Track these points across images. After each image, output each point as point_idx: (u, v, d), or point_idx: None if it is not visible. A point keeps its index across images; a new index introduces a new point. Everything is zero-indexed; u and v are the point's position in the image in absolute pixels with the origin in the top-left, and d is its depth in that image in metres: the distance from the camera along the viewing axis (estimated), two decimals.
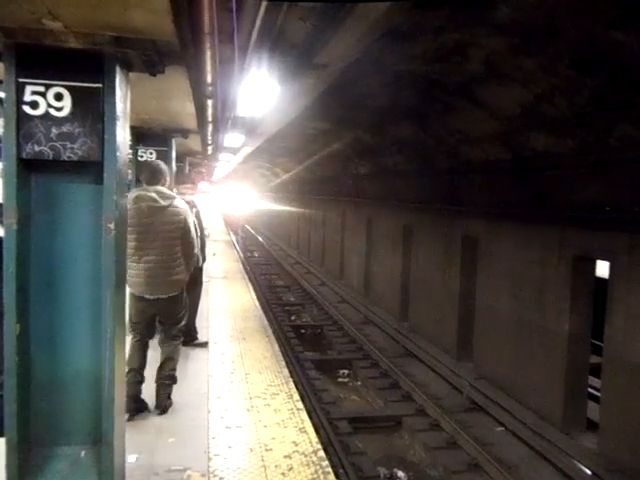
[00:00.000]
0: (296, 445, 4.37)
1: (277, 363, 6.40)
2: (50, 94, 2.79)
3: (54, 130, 2.81)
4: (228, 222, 34.57)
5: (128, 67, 3.00)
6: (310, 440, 4.48)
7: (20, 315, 2.83)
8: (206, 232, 7.23)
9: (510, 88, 6.57)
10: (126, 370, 4.59)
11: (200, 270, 6.96)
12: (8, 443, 2.84)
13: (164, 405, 4.84)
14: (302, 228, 26.46)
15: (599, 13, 4.65)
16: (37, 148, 2.80)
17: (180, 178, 7.40)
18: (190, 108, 5.76)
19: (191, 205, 6.57)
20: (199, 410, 4.95)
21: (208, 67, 3.89)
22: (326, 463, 4.13)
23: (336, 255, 19.62)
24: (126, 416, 4.47)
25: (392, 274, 14.07)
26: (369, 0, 3.91)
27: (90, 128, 2.84)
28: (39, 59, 2.75)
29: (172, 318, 4.91)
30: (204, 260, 7.01)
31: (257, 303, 9.99)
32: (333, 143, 13.66)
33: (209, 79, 4.36)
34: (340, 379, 10.65)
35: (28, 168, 2.84)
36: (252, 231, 36.70)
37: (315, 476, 3.90)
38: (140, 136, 7.18)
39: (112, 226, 2.88)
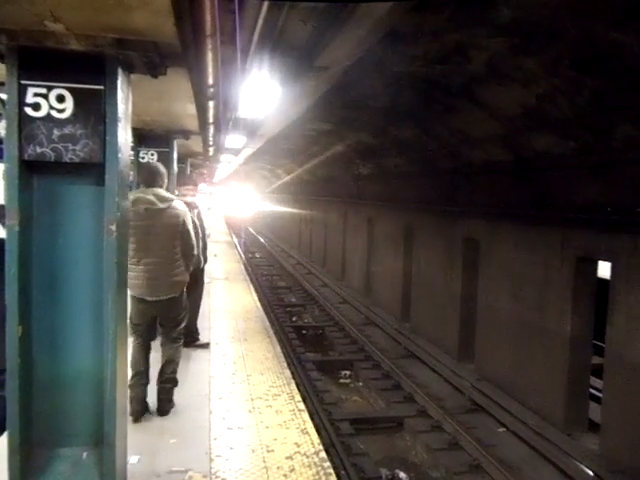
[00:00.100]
0: (298, 446, 4.37)
1: (279, 364, 6.40)
2: (52, 96, 2.80)
3: (56, 132, 2.82)
4: (230, 224, 34.27)
5: (130, 69, 3.01)
6: (312, 441, 4.47)
7: (22, 316, 2.84)
8: (207, 232, 7.22)
9: (511, 89, 6.57)
10: (131, 374, 4.61)
11: (201, 271, 6.97)
12: (10, 444, 2.84)
13: (165, 408, 4.85)
14: (304, 229, 26.48)
15: (599, 13, 4.65)
16: (39, 150, 2.81)
17: (182, 179, 7.40)
18: (191, 109, 5.76)
19: (192, 206, 6.58)
20: (201, 411, 4.95)
21: (209, 69, 3.90)
22: (328, 464, 4.13)
23: (337, 256, 19.63)
24: (130, 418, 4.50)
25: (393, 275, 14.07)
26: (371, 0, 3.91)
27: (92, 130, 2.85)
28: (41, 61, 2.76)
29: (173, 320, 4.92)
30: (205, 261, 7.01)
31: (258, 304, 9.99)
32: (334, 144, 13.66)
33: (210, 80, 4.37)
34: (342, 380, 10.64)
35: (30, 170, 2.85)
36: (258, 235, 36.52)
37: (317, 477, 3.90)
38: (141, 137, 7.18)
39: (114, 228, 2.89)
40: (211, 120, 6.84)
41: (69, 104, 2.82)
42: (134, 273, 4.51)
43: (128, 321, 4.17)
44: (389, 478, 7.01)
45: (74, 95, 2.82)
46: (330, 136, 13.04)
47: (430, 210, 11.63)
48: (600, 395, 7.36)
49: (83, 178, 2.95)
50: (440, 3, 5.15)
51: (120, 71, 2.86)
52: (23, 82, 2.76)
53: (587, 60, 5.32)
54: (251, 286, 12.16)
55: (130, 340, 4.48)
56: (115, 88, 2.85)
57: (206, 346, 6.88)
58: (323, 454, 4.29)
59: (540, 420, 7.79)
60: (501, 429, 8.10)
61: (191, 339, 6.74)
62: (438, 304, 11.43)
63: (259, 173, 30.88)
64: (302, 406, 5.22)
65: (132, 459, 3.85)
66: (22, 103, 2.77)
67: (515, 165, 8.04)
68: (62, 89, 2.81)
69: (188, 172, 13.40)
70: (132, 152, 6.74)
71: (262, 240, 33.66)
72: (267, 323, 8.51)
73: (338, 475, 5.38)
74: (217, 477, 3.84)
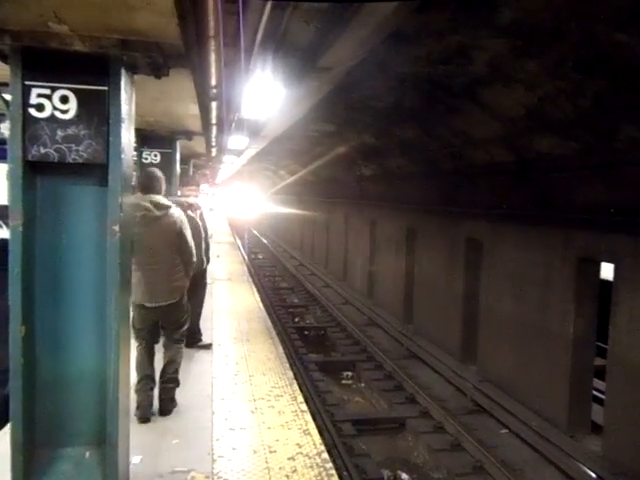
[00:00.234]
0: (300, 447, 4.37)
1: (281, 365, 6.40)
2: (56, 97, 2.81)
3: (59, 132, 2.83)
4: (233, 226, 33.94)
5: (133, 70, 3.02)
6: (314, 442, 4.48)
7: (25, 316, 2.85)
8: (209, 233, 7.22)
9: (514, 90, 6.57)
10: (137, 378, 4.62)
11: (204, 272, 6.97)
12: (13, 444, 2.85)
13: (167, 408, 4.85)
14: (306, 230, 26.48)
15: (602, 14, 4.65)
16: (43, 150, 2.82)
17: (184, 180, 7.41)
18: (194, 110, 5.78)
19: (195, 207, 6.59)
20: (203, 412, 4.95)
21: (212, 69, 3.92)
22: (330, 465, 4.13)
23: (340, 257, 19.63)
24: (135, 418, 4.51)
25: (396, 276, 14.07)
26: (373, 0, 3.90)
27: (95, 130, 2.86)
28: (45, 62, 2.77)
29: (174, 323, 4.93)
30: (208, 262, 7.01)
31: (261, 305, 10.00)
32: (337, 145, 13.67)
33: (213, 81, 4.38)
34: (344, 381, 10.63)
35: (33, 170, 2.86)
36: (261, 237, 36.45)
37: (319, 478, 3.90)
38: (144, 138, 7.20)
39: (117, 228, 2.89)
40: (214, 121, 6.86)
41: (73, 105, 2.83)
42: (133, 279, 4.51)
43: (130, 325, 4.19)
44: (391, 479, 7.01)
45: (78, 96, 2.83)
46: (333, 137, 13.04)
47: (432, 211, 11.63)
48: (603, 397, 7.34)
49: (86, 179, 2.96)
50: (443, 4, 5.15)
51: (124, 72, 2.87)
52: (27, 83, 2.77)
53: (590, 61, 5.32)
54: (253, 287, 12.17)
55: (134, 344, 4.50)
56: (119, 89, 2.85)
57: (208, 347, 6.88)
58: (325, 455, 4.29)
59: (542, 422, 7.77)
60: (503, 430, 8.08)
61: (194, 340, 6.75)
62: (440, 305, 11.43)
63: (262, 174, 30.91)
64: (304, 407, 5.22)
65: (135, 459, 3.85)
66: (26, 104, 2.78)
67: (517, 166, 8.04)
68: (66, 90, 2.82)
69: (191, 173, 13.42)
70: (135, 153, 6.77)
71: (265, 241, 33.66)
72: (269, 324, 8.52)
73: (340, 476, 5.37)
74: (219, 477, 3.84)
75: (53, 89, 2.80)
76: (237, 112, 7.52)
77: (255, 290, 11.74)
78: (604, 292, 7.42)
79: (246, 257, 21.23)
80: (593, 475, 6.53)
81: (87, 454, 3.02)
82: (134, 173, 5.72)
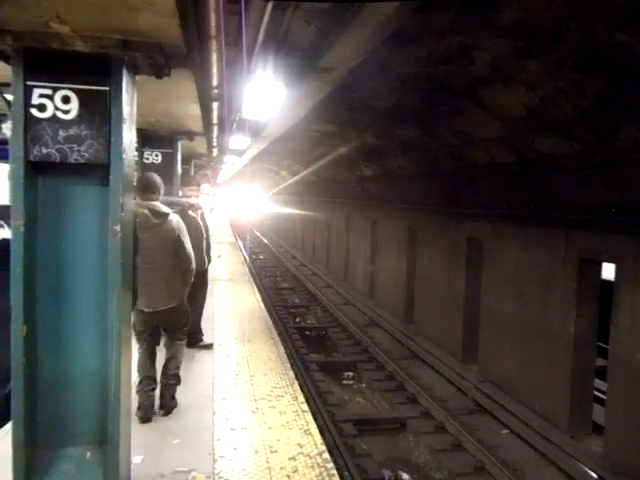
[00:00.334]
0: (301, 447, 4.37)
1: (282, 365, 6.40)
2: (57, 97, 2.81)
3: (61, 133, 2.83)
4: (235, 228, 33.49)
5: (135, 70, 3.02)
6: (315, 442, 4.48)
7: (27, 316, 2.85)
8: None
9: (515, 90, 6.57)
10: (138, 379, 4.63)
11: (205, 272, 6.97)
12: (15, 444, 2.85)
13: (168, 406, 4.86)
14: (308, 230, 26.49)
15: (602, 14, 4.65)
16: (44, 150, 2.82)
17: (185, 180, 7.41)
18: (196, 110, 5.78)
19: (196, 207, 6.59)
20: (204, 412, 4.95)
21: (214, 70, 3.92)
22: (331, 465, 4.13)
23: (341, 257, 19.64)
24: (136, 418, 4.51)
25: (397, 276, 14.07)
26: (374, 0, 3.91)
27: (97, 131, 2.86)
28: (47, 62, 2.77)
29: (174, 326, 4.94)
30: (209, 262, 7.02)
31: (262, 305, 10.00)
32: (338, 145, 13.67)
33: (215, 82, 4.38)
34: (345, 381, 10.63)
35: (35, 170, 2.87)
36: (263, 238, 36.37)
37: (320, 478, 3.90)
38: (146, 138, 7.20)
39: (118, 228, 2.90)
40: (215, 121, 6.86)
41: (74, 105, 2.83)
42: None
43: (132, 327, 4.19)
44: (392, 479, 7.01)
45: (79, 96, 2.83)
46: (334, 137, 13.04)
47: (433, 211, 11.63)
48: (604, 397, 7.34)
49: (88, 179, 2.96)
50: (444, 4, 5.15)
51: (125, 72, 2.87)
52: (29, 83, 2.77)
53: (590, 62, 5.32)
54: (255, 287, 12.18)
55: (135, 346, 4.50)
56: (120, 89, 2.86)
57: (210, 347, 6.88)
58: (326, 455, 4.29)
59: (544, 422, 7.77)
60: (504, 431, 8.08)
61: (195, 340, 6.75)
62: (441, 305, 11.43)
63: (263, 174, 30.90)
64: (305, 407, 5.22)
65: (136, 459, 3.86)
66: (28, 104, 2.78)
67: (518, 166, 8.03)
68: (67, 90, 2.82)
69: (192, 173, 13.43)
70: (136, 153, 6.77)
71: (266, 241, 33.65)
72: (270, 324, 8.52)
73: (341, 476, 5.36)
74: (220, 477, 3.84)
75: (55, 89, 2.80)
76: (238, 112, 7.53)
77: (256, 290, 11.75)
78: (605, 292, 7.41)
79: (247, 258, 21.19)
80: (594, 475, 6.52)
81: (88, 454, 3.02)
82: (135, 173, 5.73)
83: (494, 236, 9.48)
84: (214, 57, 3.60)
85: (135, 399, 4.51)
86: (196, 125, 6.98)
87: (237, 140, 10.81)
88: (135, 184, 5.30)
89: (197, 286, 6.52)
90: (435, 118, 8.85)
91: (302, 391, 5.79)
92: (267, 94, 5.53)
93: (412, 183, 12.33)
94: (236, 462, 4.07)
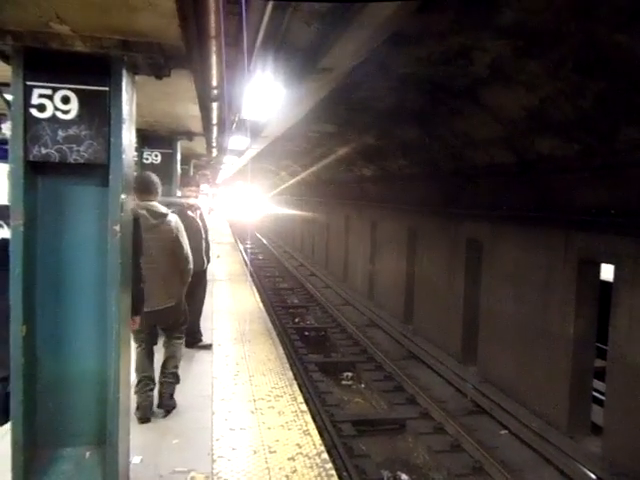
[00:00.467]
0: (300, 447, 4.37)
1: (281, 365, 6.40)
2: (57, 97, 2.81)
3: (61, 133, 2.83)
4: (235, 229, 33.01)
5: (134, 70, 3.02)
6: (314, 442, 4.48)
7: (26, 316, 2.85)
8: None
9: (515, 91, 6.57)
10: (137, 380, 4.63)
11: (204, 272, 6.97)
12: (14, 444, 2.86)
13: (167, 404, 4.86)
14: (307, 230, 26.50)
15: (602, 15, 4.65)
16: (44, 151, 2.82)
17: (184, 180, 7.41)
18: (195, 111, 5.78)
19: (195, 207, 6.60)
20: (203, 412, 4.95)
21: (214, 70, 3.92)
22: (330, 466, 4.13)
23: (340, 258, 19.64)
24: (135, 417, 4.51)
25: (396, 277, 14.07)
26: (373, 0, 3.90)
27: (96, 131, 2.86)
28: (46, 62, 2.77)
29: (172, 325, 4.95)
30: (208, 262, 7.02)
31: (261, 305, 10.00)
32: (338, 146, 13.67)
33: (214, 82, 4.39)
34: (344, 382, 10.63)
35: (35, 170, 2.87)
36: (263, 238, 36.29)
37: (319, 479, 3.90)
38: (145, 138, 7.21)
39: (117, 228, 2.90)
40: (215, 121, 6.87)
41: (74, 105, 2.83)
42: None
43: None
44: None
45: (79, 96, 2.83)
46: (333, 138, 13.05)
47: (433, 212, 11.63)
48: (603, 398, 7.34)
49: (87, 179, 2.96)
50: (444, 5, 5.16)
51: (125, 72, 2.87)
52: (28, 83, 2.78)
53: (590, 63, 5.32)
54: (254, 287, 12.17)
55: (133, 346, 4.50)
56: (120, 89, 2.86)
57: (209, 347, 6.88)
58: (325, 455, 4.29)
59: (542, 423, 7.78)
60: (503, 431, 8.08)
61: (194, 340, 6.75)
62: (441, 306, 11.43)
63: (263, 175, 30.88)
64: (304, 407, 5.22)
65: (135, 459, 3.86)
66: (27, 104, 2.79)
67: (518, 167, 8.04)
68: (67, 90, 2.82)
69: (191, 173, 13.43)
70: (136, 153, 6.77)
71: (265, 241, 33.64)
72: (270, 324, 8.52)
73: (340, 477, 5.37)
74: (219, 478, 3.84)
75: (54, 89, 2.81)
76: (238, 113, 7.53)
77: (255, 290, 11.75)
78: (604, 293, 7.42)
79: (249, 263, 21.14)
80: (593, 476, 6.53)
81: (87, 454, 3.02)
82: (135, 173, 5.73)
83: (494, 237, 9.49)
84: (214, 58, 3.61)
85: (133, 399, 4.50)
86: (195, 125, 6.98)
87: (236, 140, 10.81)
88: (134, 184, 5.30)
89: (196, 286, 6.53)
90: (435, 119, 8.85)
91: (301, 391, 5.79)
92: (267, 94, 5.53)
93: (412, 184, 12.33)
94: (235, 462, 4.07)
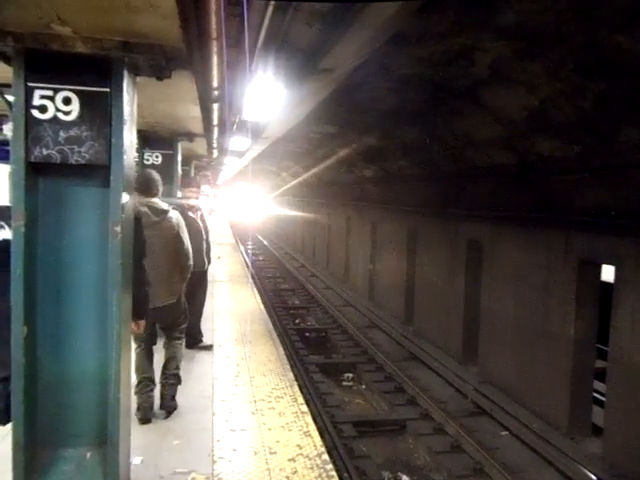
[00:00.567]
0: (300, 448, 4.37)
1: (282, 366, 6.40)
2: (58, 98, 2.82)
3: (62, 134, 2.84)
4: (236, 231, 32.60)
5: (135, 71, 3.03)
6: (314, 443, 4.48)
7: (27, 317, 2.86)
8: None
9: (515, 92, 6.58)
10: (137, 380, 4.63)
11: (205, 273, 6.98)
12: (15, 444, 2.86)
13: (169, 405, 4.86)
14: (308, 231, 26.49)
15: (603, 16, 4.66)
16: (45, 151, 2.83)
17: (185, 181, 7.42)
18: (196, 112, 5.79)
19: (195, 208, 6.60)
20: (204, 413, 4.96)
21: (214, 71, 3.92)
22: (330, 467, 4.13)
23: (341, 259, 19.64)
24: (136, 418, 4.52)
25: (397, 278, 14.07)
26: (374, 0, 3.91)
27: (98, 132, 2.87)
28: (48, 64, 2.78)
29: (172, 323, 4.95)
30: (209, 263, 7.02)
31: (262, 306, 10.00)
32: (338, 147, 13.67)
33: (215, 83, 4.39)
34: (344, 383, 10.62)
35: (36, 171, 2.87)
36: (264, 240, 36.21)
37: None
38: (146, 139, 7.21)
39: (118, 229, 2.90)
40: (215, 122, 6.87)
41: (75, 106, 2.84)
42: None
43: None
44: None
45: (80, 97, 2.84)
46: (334, 139, 13.05)
47: (434, 212, 11.63)
48: (603, 399, 7.34)
49: (88, 180, 2.97)
50: (445, 6, 5.16)
51: (126, 74, 2.88)
52: (30, 84, 2.78)
53: (590, 63, 5.33)
54: (254, 288, 12.17)
55: (133, 346, 4.50)
56: (121, 90, 2.86)
57: (209, 348, 6.88)
58: (326, 456, 4.29)
59: (543, 424, 7.77)
60: (504, 432, 8.08)
61: (194, 341, 6.76)
62: (441, 306, 11.43)
63: (264, 176, 30.87)
64: (305, 408, 5.22)
65: (135, 460, 3.86)
66: (29, 105, 2.79)
67: (519, 168, 8.04)
68: (68, 91, 2.83)
69: (192, 174, 13.43)
70: (137, 154, 6.78)
71: (266, 242, 33.63)
72: (270, 325, 8.52)
73: (341, 478, 5.37)
74: (220, 479, 3.84)
75: (56, 90, 2.81)
76: (239, 114, 7.54)
77: (256, 291, 11.75)
78: (605, 294, 7.42)
79: (247, 259, 21.15)
80: (593, 477, 6.52)
81: (88, 455, 3.02)
82: (136, 174, 5.73)
83: (494, 237, 9.49)
84: (214, 59, 3.61)
85: (134, 400, 4.51)
86: (196, 126, 6.99)
87: (237, 141, 10.81)
88: (135, 181, 5.31)
89: (197, 287, 6.54)
90: (436, 119, 8.86)
91: (302, 392, 5.79)
92: (267, 95, 5.54)
93: (412, 184, 12.33)
94: (236, 463, 4.07)
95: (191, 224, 5.96)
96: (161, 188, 4.83)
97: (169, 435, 4.47)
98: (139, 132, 6.61)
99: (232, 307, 9.64)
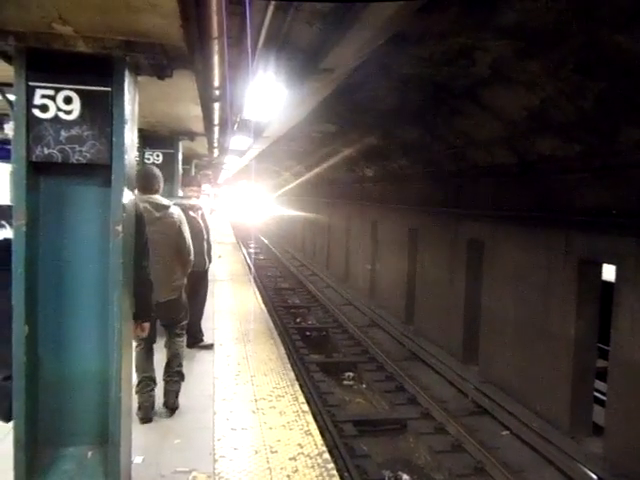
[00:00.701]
0: (301, 447, 4.38)
1: (282, 365, 6.40)
2: (60, 97, 2.82)
3: (63, 133, 2.84)
4: (237, 232, 32.06)
5: (137, 71, 3.03)
6: (315, 442, 4.48)
7: (28, 316, 2.86)
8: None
9: (516, 92, 6.58)
10: (138, 379, 4.63)
11: (205, 272, 6.98)
12: (16, 443, 2.86)
13: (172, 403, 4.86)
14: (308, 230, 26.49)
15: (603, 16, 4.66)
16: (46, 151, 2.82)
17: (186, 180, 7.42)
18: (197, 111, 5.79)
19: (196, 208, 6.59)
20: (205, 412, 4.96)
21: (215, 71, 3.92)
22: (331, 465, 4.13)
23: (341, 258, 19.65)
24: (137, 417, 4.52)
25: (397, 277, 14.07)
26: (375, 0, 3.91)
27: (99, 131, 2.87)
28: (49, 63, 2.77)
29: (173, 320, 4.96)
30: (210, 262, 7.02)
31: (262, 305, 10.01)
32: (339, 146, 13.68)
33: (216, 83, 4.39)
34: (345, 382, 10.63)
35: (37, 170, 2.87)
36: (264, 239, 36.18)
37: (320, 479, 3.91)
38: (147, 139, 7.20)
39: (120, 228, 2.90)
40: (216, 121, 6.87)
41: (76, 106, 2.84)
42: None
43: None
44: None
45: (81, 97, 2.84)
46: (335, 138, 13.06)
47: (434, 212, 11.63)
48: (604, 398, 7.34)
49: (90, 179, 2.97)
50: (446, 5, 5.16)
51: (127, 73, 2.88)
52: (31, 84, 2.78)
53: (590, 63, 5.33)
54: (255, 287, 12.18)
55: (133, 345, 4.50)
56: (122, 90, 2.86)
57: (210, 347, 6.88)
58: (326, 455, 4.29)
59: (544, 423, 7.77)
60: (505, 432, 8.08)
61: (195, 340, 6.75)
62: (442, 306, 11.43)
63: (265, 175, 30.87)
64: (306, 407, 5.22)
65: (136, 459, 3.86)
66: (30, 105, 2.79)
67: (519, 168, 8.04)
68: (69, 91, 2.82)
69: (193, 173, 13.44)
70: (138, 153, 6.78)
71: (266, 241, 33.62)
72: (271, 324, 8.52)
73: (341, 477, 5.36)
74: (221, 478, 3.85)
75: (57, 90, 2.81)
76: (240, 113, 7.54)
77: (257, 290, 11.75)
78: (606, 293, 7.41)
79: (248, 258, 21.14)
80: (594, 477, 6.52)
81: (89, 454, 3.02)
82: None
83: (495, 237, 9.48)
84: (216, 58, 3.61)
85: (135, 399, 4.51)
86: (197, 126, 6.99)
87: (238, 140, 10.82)
88: (136, 178, 5.31)
89: (197, 286, 6.54)
90: (436, 119, 8.86)
91: (302, 391, 5.79)
92: (268, 95, 5.54)
93: (413, 184, 12.33)
94: (237, 462, 4.07)
95: (192, 223, 5.96)
96: (162, 185, 4.83)
97: (170, 434, 4.47)
98: (140, 131, 6.58)
99: (233, 306, 9.64)
